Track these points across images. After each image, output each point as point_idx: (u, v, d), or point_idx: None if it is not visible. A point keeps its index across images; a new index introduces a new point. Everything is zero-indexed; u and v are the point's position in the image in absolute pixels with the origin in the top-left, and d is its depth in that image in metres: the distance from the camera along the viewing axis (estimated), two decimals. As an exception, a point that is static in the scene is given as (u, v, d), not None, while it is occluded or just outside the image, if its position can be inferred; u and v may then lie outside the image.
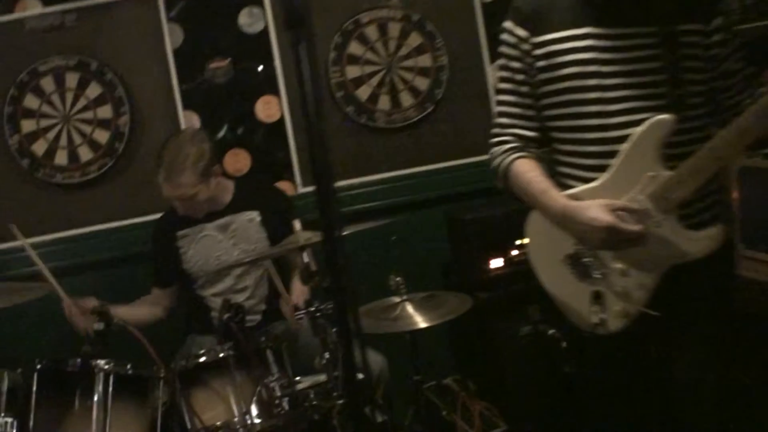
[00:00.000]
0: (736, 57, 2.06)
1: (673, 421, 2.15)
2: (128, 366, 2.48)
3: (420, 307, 2.92)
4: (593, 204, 1.98)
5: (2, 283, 2.85)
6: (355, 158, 3.84)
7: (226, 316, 2.54)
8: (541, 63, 2.09)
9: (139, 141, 3.67)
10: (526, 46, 2.11)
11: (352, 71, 3.81)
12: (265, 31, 3.72)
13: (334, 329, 2.42)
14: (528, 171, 2.13)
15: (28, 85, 3.58)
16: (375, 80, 3.82)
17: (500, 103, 2.22)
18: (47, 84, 3.60)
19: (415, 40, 3.85)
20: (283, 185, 3.71)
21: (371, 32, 3.81)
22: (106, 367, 2.42)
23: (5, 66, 3.57)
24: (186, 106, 3.69)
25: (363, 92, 3.80)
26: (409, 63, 3.86)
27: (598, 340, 2.08)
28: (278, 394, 2.50)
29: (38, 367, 2.41)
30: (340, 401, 2.43)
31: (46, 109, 3.61)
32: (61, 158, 3.63)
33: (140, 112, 3.67)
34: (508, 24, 2.16)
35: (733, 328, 2.17)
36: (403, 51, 3.85)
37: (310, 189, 3.69)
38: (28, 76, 3.58)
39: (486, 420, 3.22)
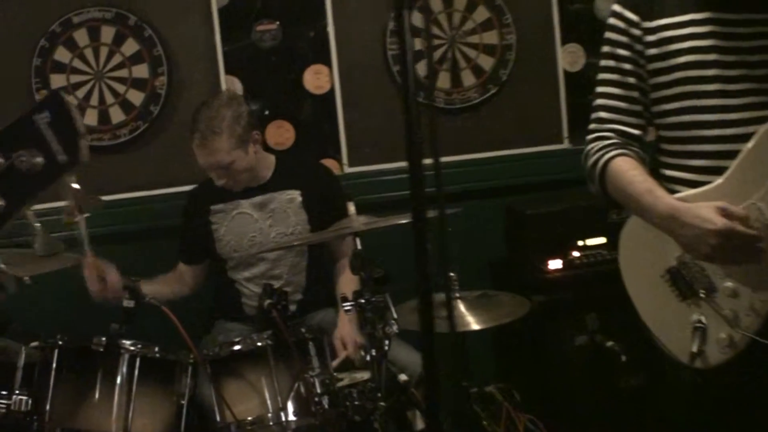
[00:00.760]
0: None
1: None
2: (156, 349, 2.42)
3: (472, 306, 2.81)
4: (707, 205, 1.85)
5: (23, 249, 2.60)
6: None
7: (267, 302, 2.45)
8: (652, 51, 1.99)
9: (175, 105, 3.56)
10: (636, 32, 2.01)
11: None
12: (319, -7, 3.69)
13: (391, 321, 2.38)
14: (629, 170, 2.00)
15: (60, 36, 3.46)
16: (435, 55, 3.73)
17: (601, 95, 2.11)
18: (81, 37, 3.48)
19: (481, 14, 3.76)
20: (328, 163, 3.61)
21: (436, 2, 3.72)
22: (133, 348, 2.37)
23: (36, 14, 3.44)
24: (228, 71, 3.59)
25: (421, 68, 3.61)
26: (473, 39, 3.77)
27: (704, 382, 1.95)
28: (318, 390, 2.42)
29: (60, 343, 2.35)
30: (384, 403, 2.35)
31: (77, 64, 3.49)
32: (91, 118, 3.50)
33: (179, 74, 3.56)
34: (616, 7, 2.06)
35: None
36: (468, 25, 3.76)
37: (356, 169, 3.66)
38: (61, 27, 3.46)
39: (530, 435, 3.14)
